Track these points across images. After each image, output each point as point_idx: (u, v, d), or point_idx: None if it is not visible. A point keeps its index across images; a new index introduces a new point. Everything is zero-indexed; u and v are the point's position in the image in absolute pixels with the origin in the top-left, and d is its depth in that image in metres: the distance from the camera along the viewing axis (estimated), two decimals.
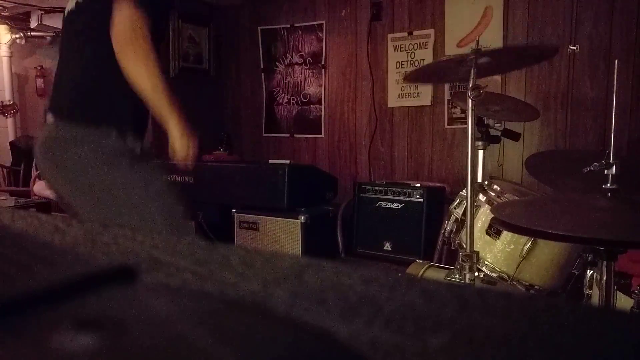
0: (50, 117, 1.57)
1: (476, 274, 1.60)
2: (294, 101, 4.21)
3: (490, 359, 0.19)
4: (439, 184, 3.27)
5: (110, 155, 1.50)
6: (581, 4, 3.07)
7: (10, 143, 5.46)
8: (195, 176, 3.20)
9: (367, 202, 3.23)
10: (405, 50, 3.64)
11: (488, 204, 1.90)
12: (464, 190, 1.74)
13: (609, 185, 1.30)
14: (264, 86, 4.35)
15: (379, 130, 3.82)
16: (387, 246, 3.15)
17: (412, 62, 3.63)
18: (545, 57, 2.29)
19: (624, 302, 1.48)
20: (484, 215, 1.91)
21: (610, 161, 1.30)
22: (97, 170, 1.49)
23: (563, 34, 3.13)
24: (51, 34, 5.55)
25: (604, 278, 1.33)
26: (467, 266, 1.54)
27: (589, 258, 1.72)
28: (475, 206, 1.84)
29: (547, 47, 2.38)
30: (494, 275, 1.85)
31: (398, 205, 3.11)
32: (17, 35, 5.47)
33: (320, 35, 4.02)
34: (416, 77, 2.25)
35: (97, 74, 1.55)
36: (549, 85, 3.20)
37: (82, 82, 1.57)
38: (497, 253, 1.86)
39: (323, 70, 4.04)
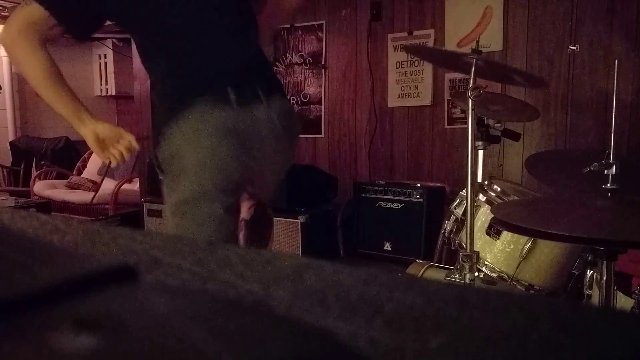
0: (260, 93, 1.43)
1: (476, 274, 1.60)
2: (294, 101, 4.21)
3: (490, 359, 0.19)
4: (439, 184, 3.27)
5: None
6: (581, 3, 3.07)
7: (10, 143, 5.47)
8: None
9: (367, 202, 3.23)
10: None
11: (488, 204, 1.90)
12: (464, 190, 1.74)
13: (609, 185, 1.30)
14: None
15: (379, 130, 3.82)
16: (387, 246, 3.15)
17: (412, 62, 3.63)
18: (535, 85, 2.27)
19: (624, 302, 1.48)
20: (484, 215, 1.91)
21: (610, 161, 1.30)
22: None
23: (563, 34, 3.13)
24: None
25: (604, 278, 1.33)
26: (467, 266, 1.54)
27: (589, 258, 1.72)
28: (475, 206, 1.84)
29: (537, 79, 2.39)
30: (494, 275, 1.85)
31: (398, 205, 3.11)
32: None
33: (320, 35, 4.02)
34: (416, 51, 2.26)
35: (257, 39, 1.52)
36: (549, 85, 3.20)
37: (259, 50, 1.51)
38: (497, 253, 1.86)
39: (323, 70, 4.04)
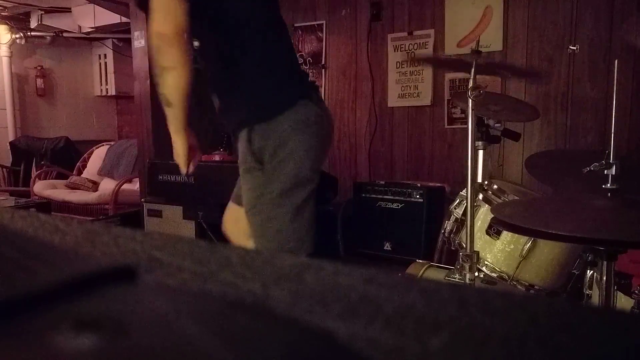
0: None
1: (476, 274, 1.60)
2: None
3: (490, 359, 0.19)
4: (439, 184, 3.27)
5: None
6: (581, 4, 3.07)
7: (10, 143, 5.47)
8: (195, 176, 3.21)
9: (367, 202, 3.23)
10: (405, 50, 3.64)
11: (488, 204, 1.90)
12: (464, 190, 1.74)
13: (609, 185, 1.30)
14: None
15: (379, 130, 3.82)
16: (387, 246, 3.15)
17: (412, 62, 3.63)
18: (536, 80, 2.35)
19: (624, 302, 1.48)
20: (484, 215, 1.91)
21: (610, 161, 1.30)
22: None
23: (563, 34, 3.13)
24: (51, 34, 5.56)
25: (604, 278, 1.33)
26: (467, 266, 1.54)
27: (589, 258, 1.72)
28: (475, 206, 1.84)
29: (536, 73, 2.44)
30: (494, 275, 1.85)
31: (398, 205, 3.11)
32: (17, 35, 5.48)
33: (320, 35, 4.02)
34: (419, 61, 2.31)
35: None
36: (549, 85, 3.20)
37: None
38: (497, 253, 1.86)
39: (323, 70, 4.04)
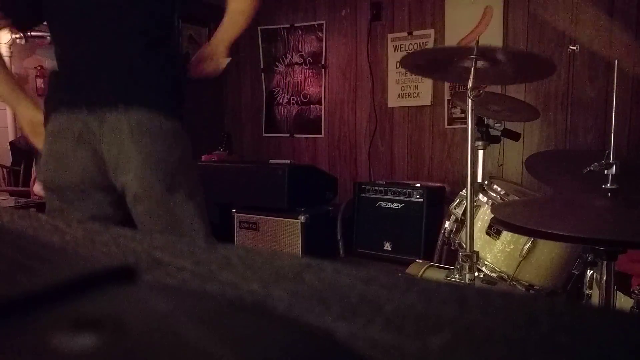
0: None
1: (476, 274, 1.60)
2: (294, 101, 4.21)
3: (490, 359, 0.19)
4: (439, 184, 3.27)
5: None
6: (581, 3, 3.07)
7: (10, 143, 5.47)
8: None
9: (367, 202, 3.23)
10: (405, 50, 3.64)
11: (488, 204, 1.90)
12: (464, 190, 1.74)
13: (609, 185, 1.30)
14: (264, 86, 4.35)
15: (379, 130, 3.82)
16: (387, 246, 3.15)
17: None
18: (544, 73, 2.20)
19: (624, 302, 1.48)
20: (484, 215, 1.91)
21: (610, 161, 1.30)
22: None
23: (563, 34, 3.13)
24: None
25: (604, 278, 1.32)
26: (467, 266, 1.54)
27: (589, 258, 1.72)
28: (475, 206, 1.84)
29: (545, 59, 2.31)
30: (494, 275, 1.85)
31: (398, 205, 3.11)
32: (17, 35, 5.47)
33: (320, 35, 4.02)
34: (412, 62, 2.11)
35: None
36: (549, 85, 3.20)
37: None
38: (497, 253, 1.86)
39: (323, 70, 4.04)
